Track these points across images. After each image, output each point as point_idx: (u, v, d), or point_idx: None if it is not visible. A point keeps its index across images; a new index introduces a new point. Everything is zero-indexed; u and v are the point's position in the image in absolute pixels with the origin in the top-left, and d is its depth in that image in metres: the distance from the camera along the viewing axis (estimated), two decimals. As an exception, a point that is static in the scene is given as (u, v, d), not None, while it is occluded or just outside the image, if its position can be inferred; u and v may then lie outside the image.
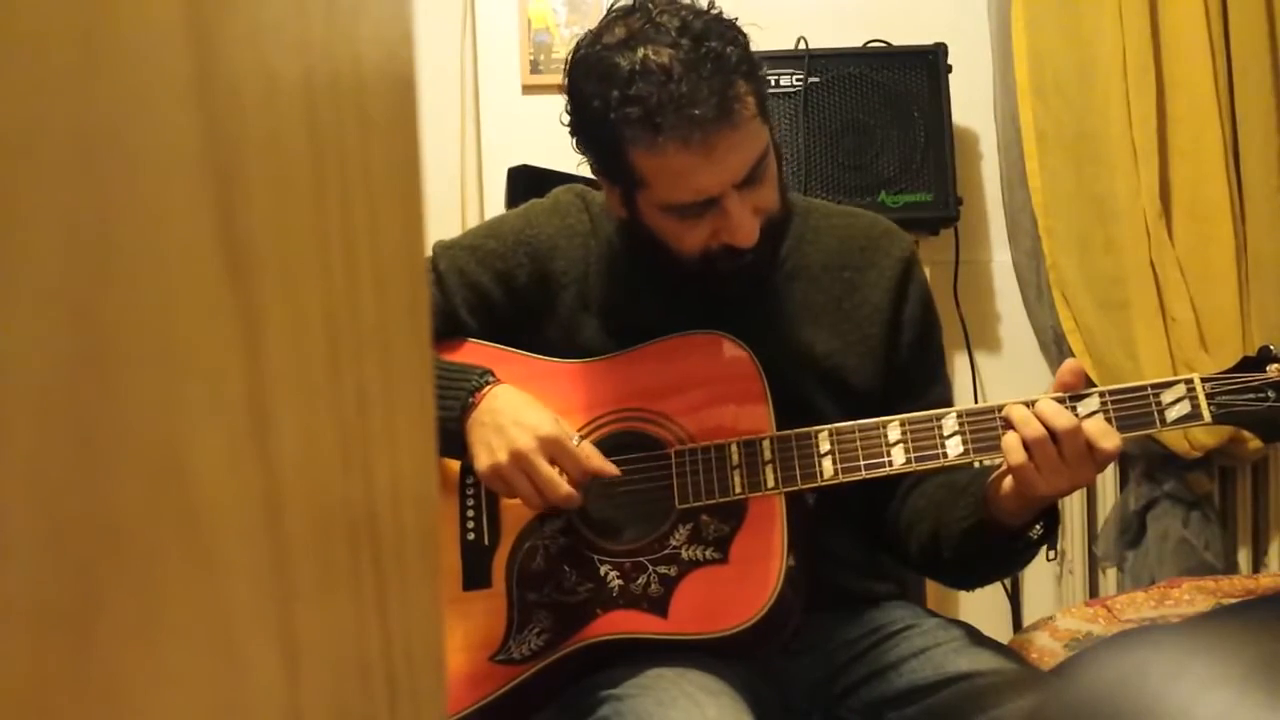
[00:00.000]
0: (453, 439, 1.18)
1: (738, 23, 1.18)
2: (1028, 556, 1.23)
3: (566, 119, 1.21)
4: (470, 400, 1.18)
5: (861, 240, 1.32)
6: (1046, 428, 1.08)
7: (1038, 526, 1.18)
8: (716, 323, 1.24)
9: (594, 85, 1.14)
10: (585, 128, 1.19)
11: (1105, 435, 1.08)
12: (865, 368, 1.28)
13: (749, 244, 1.17)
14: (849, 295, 1.30)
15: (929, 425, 1.17)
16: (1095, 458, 1.08)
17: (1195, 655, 0.35)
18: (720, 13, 1.18)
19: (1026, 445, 1.09)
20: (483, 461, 1.15)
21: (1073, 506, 2.31)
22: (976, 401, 2.33)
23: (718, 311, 1.24)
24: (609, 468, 1.18)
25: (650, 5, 1.15)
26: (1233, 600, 1.75)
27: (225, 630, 0.22)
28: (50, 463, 0.18)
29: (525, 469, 1.14)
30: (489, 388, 1.19)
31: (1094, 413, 1.12)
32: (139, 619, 0.19)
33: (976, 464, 1.21)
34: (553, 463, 1.15)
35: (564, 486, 1.14)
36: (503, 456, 1.14)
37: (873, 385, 1.26)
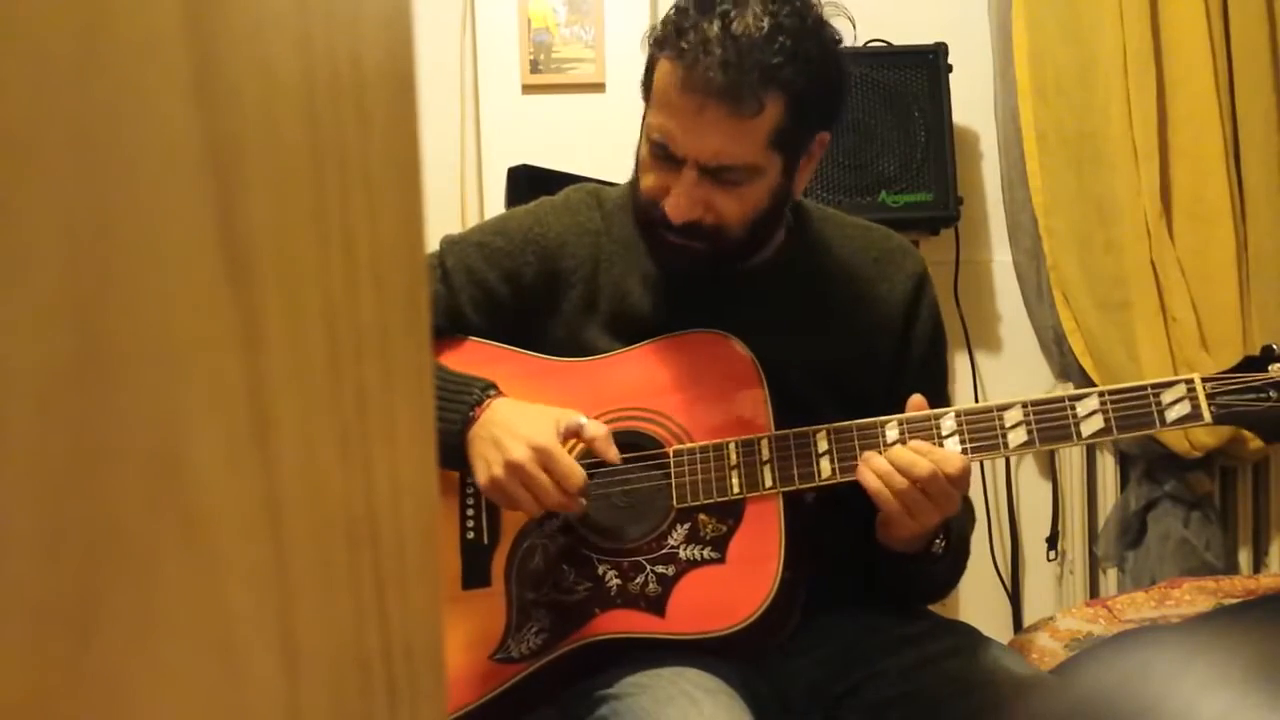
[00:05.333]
0: (454, 452, 1.18)
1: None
2: (943, 572, 1.26)
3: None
4: (470, 414, 1.18)
5: (875, 253, 1.32)
6: (908, 477, 1.12)
7: (938, 541, 1.21)
8: (723, 324, 1.23)
9: (683, 3, 1.15)
10: (653, 34, 1.20)
11: (947, 461, 1.12)
12: (870, 378, 1.27)
13: (672, 217, 1.18)
14: (859, 305, 1.29)
15: (927, 425, 1.17)
16: (958, 488, 1.13)
17: (1196, 655, 0.35)
18: (839, 42, 1.18)
19: (895, 494, 1.13)
20: (482, 476, 1.15)
21: (1073, 507, 2.30)
22: (977, 402, 2.33)
23: (724, 313, 1.24)
24: (610, 454, 1.16)
25: None
26: (1233, 600, 1.75)
27: (225, 630, 0.21)
28: (50, 463, 0.18)
29: (522, 479, 1.14)
30: (489, 401, 1.18)
31: (952, 433, 1.16)
32: (139, 619, 0.19)
33: (975, 464, 1.21)
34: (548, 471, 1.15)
35: (558, 494, 1.14)
36: (498, 470, 1.14)
37: (876, 396, 1.26)
